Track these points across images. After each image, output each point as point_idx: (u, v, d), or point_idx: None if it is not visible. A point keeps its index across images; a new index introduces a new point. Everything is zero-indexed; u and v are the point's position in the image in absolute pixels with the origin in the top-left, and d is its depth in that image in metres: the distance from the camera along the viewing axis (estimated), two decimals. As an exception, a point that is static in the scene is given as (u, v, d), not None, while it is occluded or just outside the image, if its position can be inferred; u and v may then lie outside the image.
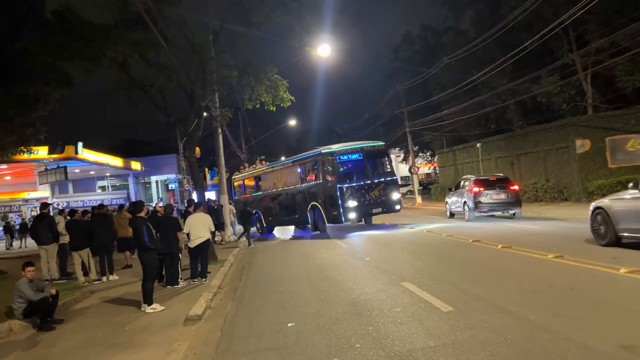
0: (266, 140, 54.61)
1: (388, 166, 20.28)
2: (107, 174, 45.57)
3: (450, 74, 32.72)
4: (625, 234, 9.43)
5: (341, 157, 19.03)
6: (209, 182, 43.31)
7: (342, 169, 19.11)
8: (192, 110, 15.09)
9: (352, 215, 18.46)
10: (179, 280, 11.43)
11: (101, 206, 13.62)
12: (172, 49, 13.27)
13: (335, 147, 19.40)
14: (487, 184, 18.83)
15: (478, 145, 27.39)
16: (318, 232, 19.74)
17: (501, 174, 21.87)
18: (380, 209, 19.19)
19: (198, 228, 11.61)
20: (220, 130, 21.62)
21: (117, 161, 40.54)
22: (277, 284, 10.52)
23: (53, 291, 8.68)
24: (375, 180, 18.94)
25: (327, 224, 19.32)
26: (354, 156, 19.20)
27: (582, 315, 5.75)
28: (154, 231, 9.63)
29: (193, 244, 11.55)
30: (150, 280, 9.37)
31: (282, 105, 16.52)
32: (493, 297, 7.06)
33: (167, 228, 11.31)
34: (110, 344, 7.31)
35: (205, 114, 16.80)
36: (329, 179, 18.57)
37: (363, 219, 20.84)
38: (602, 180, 21.02)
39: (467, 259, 10.71)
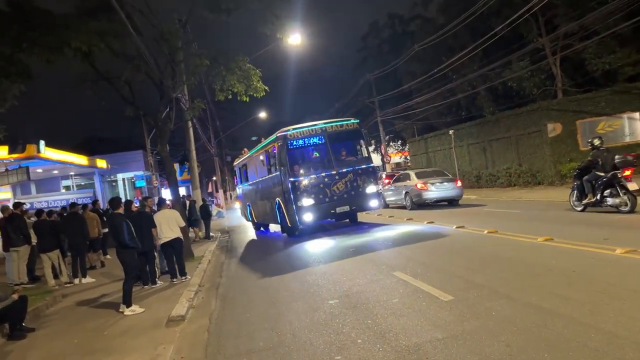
0: (236, 133, 53.77)
1: (362, 150, 15.76)
2: (72, 173, 44.01)
3: (420, 62, 32.69)
4: None
5: (294, 142, 14.83)
6: (178, 177, 42.36)
7: (295, 157, 15.14)
8: (161, 102, 14.47)
9: (308, 217, 14.36)
10: (157, 279, 10.90)
11: (73, 205, 12.91)
12: (139, 37, 12.60)
13: (290, 129, 15.13)
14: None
15: (451, 132, 27.38)
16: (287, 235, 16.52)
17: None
18: (347, 208, 14.71)
19: (163, 225, 10.92)
20: (190, 124, 20.95)
21: (81, 159, 39.16)
22: (261, 280, 10.12)
23: (15, 296, 8.05)
24: (340, 170, 14.63)
25: (294, 225, 15.04)
26: (313, 140, 15.00)
27: (591, 299, 5.55)
28: (132, 228, 9.08)
29: (161, 242, 10.95)
30: (131, 280, 8.87)
31: (255, 95, 16.02)
32: (492, 284, 6.83)
33: (141, 225, 10.75)
34: (89, 350, 6.82)
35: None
36: (282, 169, 14.85)
37: (348, 218, 16.95)
38: (575, 163, 21.15)
39: (455, 246, 10.47)
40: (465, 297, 6.34)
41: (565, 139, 21.89)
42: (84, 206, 14.02)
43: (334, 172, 14.64)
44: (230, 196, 54.32)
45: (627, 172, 11.65)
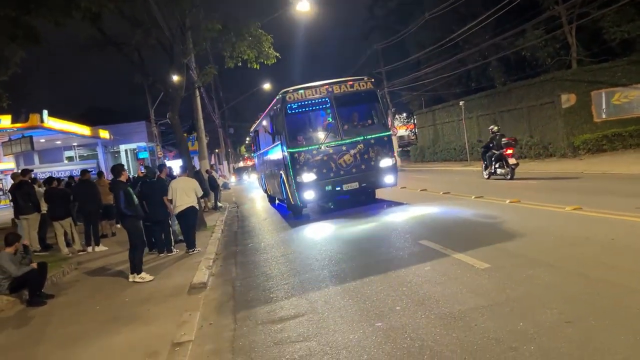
0: (240, 105, 53.24)
1: (377, 115, 13.25)
2: (75, 144, 43.75)
3: (429, 32, 32.00)
4: None
5: (294, 106, 12.50)
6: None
7: (295, 124, 12.77)
8: (172, 68, 14.11)
9: (309, 195, 12.32)
10: (173, 248, 10.73)
11: (84, 172, 12.65)
12: (147, 2, 12.17)
13: (290, 90, 12.73)
14: None
15: (461, 103, 26.91)
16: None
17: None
18: (355, 184, 12.41)
19: (181, 193, 10.52)
20: (197, 93, 20.57)
21: (84, 130, 38.83)
22: (279, 249, 9.94)
23: (34, 265, 7.89)
24: (349, 140, 12.36)
25: (296, 204, 13.01)
26: (317, 102, 12.65)
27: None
28: (134, 196, 8.79)
29: (176, 211, 10.61)
30: (137, 248, 8.65)
31: (266, 62, 15.65)
32: (528, 252, 6.62)
33: (153, 194, 10.53)
34: (113, 316, 6.67)
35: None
36: (281, 138, 12.87)
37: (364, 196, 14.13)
38: (588, 134, 20.92)
39: (479, 215, 10.19)
40: (502, 265, 6.14)
41: (578, 110, 21.47)
42: (99, 173, 13.78)
43: (340, 142, 12.35)
44: (233, 169, 54.12)
45: (509, 151, 15.88)
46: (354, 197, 14.01)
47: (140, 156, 53.32)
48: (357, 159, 12.40)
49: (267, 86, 41.18)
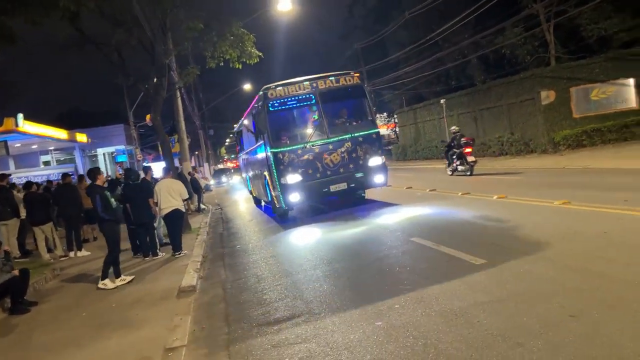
0: (220, 106, 52.79)
1: (365, 112, 12.68)
2: (51, 148, 42.83)
3: (409, 31, 32.15)
4: None
5: (276, 103, 11.81)
6: (162, 152, 41.54)
7: (278, 122, 12.06)
8: (153, 69, 13.84)
9: (295, 198, 11.67)
10: (158, 251, 10.50)
11: (65, 175, 12.32)
12: (128, 0, 11.92)
13: (272, 86, 12.08)
14: None
15: (442, 101, 27.08)
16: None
17: None
18: (344, 185, 11.81)
19: (166, 195, 10.28)
20: (178, 94, 20.27)
21: (61, 133, 38.03)
22: (268, 250, 9.79)
23: (16, 272, 7.63)
24: (336, 138, 11.78)
25: (281, 207, 12.32)
26: (300, 99, 12.04)
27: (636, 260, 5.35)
28: (112, 200, 8.55)
29: (162, 213, 10.39)
30: (114, 253, 8.46)
31: (248, 62, 15.51)
32: (522, 247, 6.61)
33: (137, 196, 10.30)
34: (101, 322, 6.47)
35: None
36: (263, 137, 12.26)
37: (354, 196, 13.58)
38: (568, 130, 21.18)
39: (468, 211, 10.10)
40: (497, 260, 6.10)
41: (558, 106, 21.73)
42: (80, 177, 13.45)
43: (327, 141, 11.72)
44: (213, 171, 53.62)
45: (468, 150, 17.14)
46: (344, 198, 13.37)
47: (119, 159, 52.54)
48: (344, 158, 11.79)
49: (248, 86, 40.88)
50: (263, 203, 16.78)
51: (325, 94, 12.01)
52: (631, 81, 21.15)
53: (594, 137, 20.67)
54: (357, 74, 12.85)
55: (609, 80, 21.23)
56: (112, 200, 8.57)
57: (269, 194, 13.26)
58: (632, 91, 21.29)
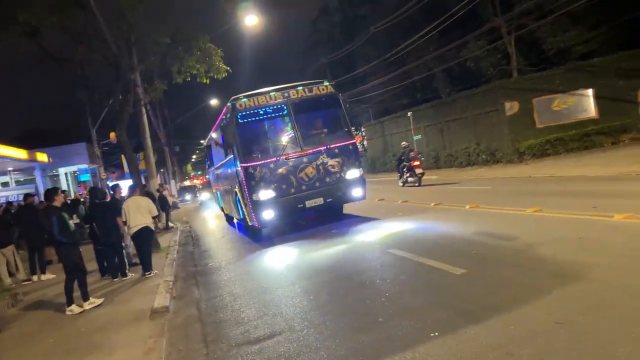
0: (186, 122, 52.18)
1: (340, 122, 12.01)
2: (10, 168, 41.44)
3: (375, 45, 32.50)
4: None
5: (246, 114, 11.17)
6: (126, 169, 40.73)
7: (248, 135, 11.47)
8: (119, 85, 13.55)
9: (268, 215, 10.97)
10: (127, 271, 10.15)
11: (27, 196, 11.83)
12: (94, 12, 11.64)
13: (241, 97, 11.39)
14: None
15: (409, 114, 27.41)
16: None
17: None
18: (320, 200, 11.16)
19: (135, 213, 9.95)
20: (144, 110, 19.91)
21: (20, 153, 36.81)
22: (243, 267, 9.59)
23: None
24: (310, 150, 11.15)
25: (253, 225, 11.67)
26: (272, 110, 11.38)
27: (620, 264, 5.38)
28: (70, 222, 8.17)
29: (131, 232, 10.03)
30: (72, 277, 8.05)
31: (216, 76, 15.35)
32: (499, 255, 6.63)
33: (105, 215, 9.96)
34: (70, 348, 6.16)
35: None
36: (233, 151, 11.61)
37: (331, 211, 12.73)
38: (532, 140, 21.67)
39: (442, 222, 10.15)
40: (478, 269, 6.08)
41: (522, 117, 22.25)
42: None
43: (301, 153, 11.07)
44: (179, 188, 52.79)
45: (416, 163, 19.00)
46: (321, 214, 12.52)
47: (82, 178, 51.20)
48: (320, 171, 11.13)
49: (215, 101, 40.50)
50: (235, 220, 15.82)
51: (298, 105, 11.40)
52: (590, 91, 21.85)
53: (557, 146, 21.21)
54: (332, 83, 12.29)
55: (569, 91, 21.88)
56: (70, 222, 8.20)
57: (240, 211, 12.67)
58: (591, 101, 21.98)
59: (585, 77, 21.81)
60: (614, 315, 4.11)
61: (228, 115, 11.51)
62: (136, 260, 10.89)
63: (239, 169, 11.17)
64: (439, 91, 29.64)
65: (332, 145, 11.37)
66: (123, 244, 10.43)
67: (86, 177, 48.86)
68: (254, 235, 12.60)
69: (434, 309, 5.02)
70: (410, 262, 7.16)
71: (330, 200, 11.34)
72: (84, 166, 48.24)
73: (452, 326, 4.46)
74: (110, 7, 12.59)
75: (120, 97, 13.43)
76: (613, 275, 5.04)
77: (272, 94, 11.44)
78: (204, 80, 15.27)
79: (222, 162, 14.51)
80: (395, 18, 26.47)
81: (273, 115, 11.49)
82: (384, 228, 10.66)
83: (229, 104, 11.50)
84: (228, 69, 15.34)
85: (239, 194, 12.03)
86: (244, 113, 11.16)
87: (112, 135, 33.84)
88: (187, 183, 67.92)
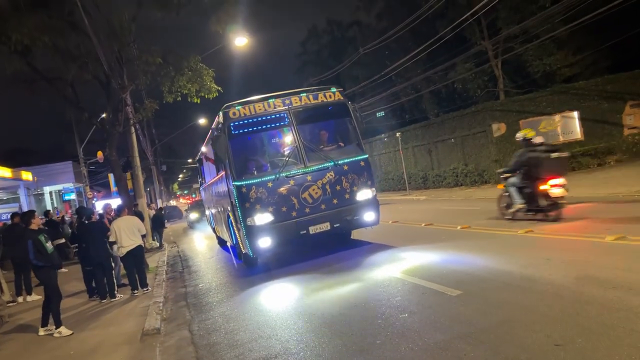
0: (173, 142, 52.03)
1: (350, 135, 10.57)
2: (-7, 187, 40.82)
3: (363, 67, 32.84)
4: None
5: (241, 124, 9.78)
6: (113, 188, 40.41)
7: (243, 148, 10.15)
8: (109, 104, 13.52)
9: (265, 243, 9.41)
10: (116, 292, 10.00)
11: (14, 215, 11.64)
12: (88, 32, 11.65)
13: (235, 105, 9.93)
14: None
15: (398, 134, 27.60)
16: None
17: None
18: (326, 226, 9.63)
19: (126, 233, 9.96)
20: (133, 129, 19.85)
21: (4, 172, 36.37)
22: (235, 288, 9.49)
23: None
24: (314, 167, 9.69)
25: (247, 253, 9.99)
26: (271, 120, 9.97)
27: (616, 284, 5.42)
28: (48, 245, 8.05)
29: (122, 251, 9.99)
30: (52, 300, 7.90)
31: (207, 96, 15.43)
32: (494, 275, 6.63)
33: (93, 235, 9.86)
34: (59, 374, 6.00)
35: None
36: (225, 167, 10.08)
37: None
38: (519, 161, 21.89)
39: (434, 242, 10.19)
40: (473, 290, 6.09)
41: (509, 138, 22.46)
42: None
43: (304, 171, 9.62)
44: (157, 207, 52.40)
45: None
46: (326, 238, 10.59)
47: (66, 197, 50.63)
48: (326, 191, 9.68)
49: (203, 121, 40.51)
50: (228, 244, 13.89)
51: (301, 113, 10.05)
52: (575, 114, 22.23)
53: (544, 167, 21.44)
54: (340, 89, 10.61)
55: (555, 113, 22.25)
56: (48, 244, 8.08)
57: (233, 236, 11.25)
58: (576, 123, 22.35)
59: (570, 99, 22.22)
60: (611, 337, 4.11)
61: (220, 125, 9.98)
62: (125, 281, 10.78)
63: (232, 187, 9.71)
64: (427, 112, 29.95)
65: (341, 161, 9.88)
66: (112, 264, 10.32)
67: (70, 196, 48.29)
68: (247, 265, 11.09)
69: (430, 330, 4.99)
70: (401, 283, 7.12)
71: (337, 225, 9.83)
72: (70, 185, 47.75)
73: (450, 349, 4.44)
74: (102, 26, 12.62)
75: (110, 116, 13.38)
76: (609, 297, 5.06)
77: (271, 100, 10.02)
78: (195, 100, 15.33)
79: (214, 179, 13.28)
80: (383, 40, 26.81)
81: (272, 125, 10.05)
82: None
83: (220, 112, 10.04)
84: (219, 88, 15.43)
85: (231, 217, 10.62)
86: (238, 123, 9.74)
87: (100, 154, 33.52)
88: (173, 202, 67.46)
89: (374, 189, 10.27)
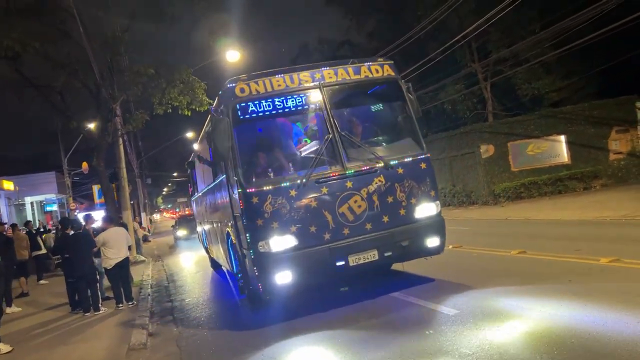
0: (158, 155, 51.66)
1: (404, 126, 7.59)
2: (-27, 196, 40.03)
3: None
4: None
5: (251, 106, 6.83)
6: (96, 200, 39.88)
7: (254, 141, 7.32)
8: (99, 113, 13.34)
9: (284, 278, 6.47)
10: (100, 305, 9.72)
11: (-3, 223, 11.35)
12: (80, 41, 11.54)
13: (243, 78, 6.97)
14: None
15: (386, 153, 27.73)
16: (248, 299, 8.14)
17: None
18: (374, 254, 6.74)
19: (115, 245, 9.71)
20: (120, 141, 19.62)
21: (-15, 180, 35.76)
22: (221, 302, 9.29)
23: None
24: (357, 170, 6.84)
25: (259, 292, 6.80)
26: (295, 101, 7.00)
27: (615, 308, 5.36)
28: None
29: (110, 263, 9.69)
30: None
31: (198, 109, 15.32)
32: (491, 294, 6.55)
33: (78, 247, 9.61)
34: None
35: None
36: (226, 168, 7.29)
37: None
38: (507, 182, 22.04)
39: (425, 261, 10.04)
40: (469, 309, 5.98)
41: (497, 160, 22.71)
42: (13, 225, 12.42)
43: (342, 174, 6.77)
44: (140, 223, 51.88)
45: None
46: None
47: (48, 208, 49.81)
48: (374, 204, 6.82)
49: (190, 134, 40.28)
50: (225, 269, 11.29)
51: (338, 93, 7.17)
52: (562, 137, 22.47)
53: (531, 189, 21.62)
54: (390, 62, 7.61)
55: (542, 136, 22.47)
56: None
57: (234, 263, 8.38)
58: (563, 147, 22.58)
59: (558, 123, 22.47)
60: None
61: (221, 108, 7.13)
62: (109, 294, 10.50)
63: (236, 196, 6.80)
64: (415, 132, 30.12)
65: (394, 162, 7.02)
66: (97, 277, 10.07)
67: (52, 207, 47.53)
68: (253, 305, 7.82)
69: (434, 350, 4.87)
70: (394, 301, 6.99)
71: (389, 254, 6.92)
72: (52, 196, 46.97)
73: (453, 369, 4.30)
74: (95, 35, 12.52)
75: (100, 125, 13.19)
76: (611, 319, 4.99)
77: (294, 74, 7.05)
78: (186, 113, 15.20)
79: (209, 186, 10.09)
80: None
81: (296, 109, 7.06)
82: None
83: (225, 87, 7.09)
84: (211, 102, 15.33)
85: (232, 237, 7.76)
86: (247, 104, 6.81)
87: (85, 165, 33.12)
88: (156, 217, 66.78)
89: (438, 202, 7.41)
